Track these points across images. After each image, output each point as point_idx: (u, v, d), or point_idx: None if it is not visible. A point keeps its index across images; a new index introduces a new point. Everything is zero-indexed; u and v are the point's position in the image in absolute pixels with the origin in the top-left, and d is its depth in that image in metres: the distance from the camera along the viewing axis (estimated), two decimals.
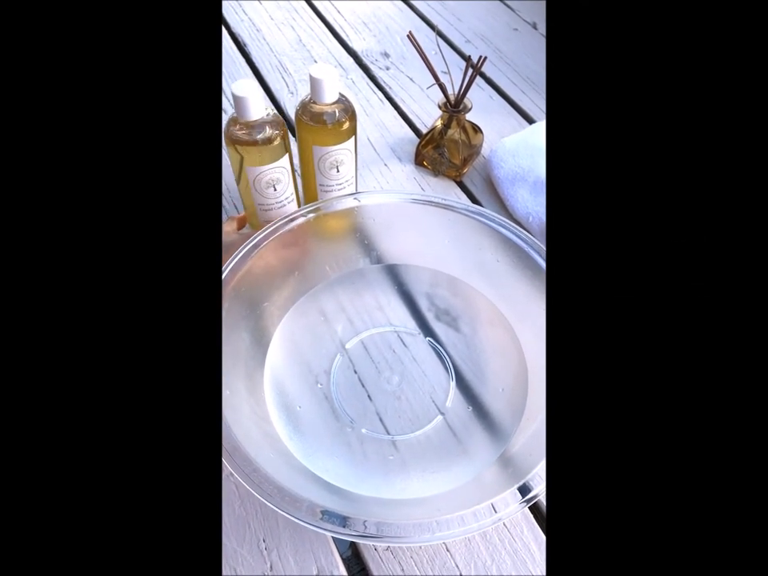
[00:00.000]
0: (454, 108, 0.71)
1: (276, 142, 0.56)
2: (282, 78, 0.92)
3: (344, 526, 0.40)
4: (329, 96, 0.56)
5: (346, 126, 0.58)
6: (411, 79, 0.93)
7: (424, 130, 0.83)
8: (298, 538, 0.49)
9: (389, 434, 0.53)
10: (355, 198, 0.58)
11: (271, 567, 0.48)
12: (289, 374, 0.56)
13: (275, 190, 0.60)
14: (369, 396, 0.55)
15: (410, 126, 0.85)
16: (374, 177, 0.78)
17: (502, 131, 0.83)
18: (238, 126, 0.55)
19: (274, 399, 0.54)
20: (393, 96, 0.90)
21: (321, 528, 0.40)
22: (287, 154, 0.58)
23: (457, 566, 0.48)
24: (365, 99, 0.89)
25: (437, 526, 0.40)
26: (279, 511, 0.41)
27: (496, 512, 0.41)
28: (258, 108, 0.54)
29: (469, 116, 0.74)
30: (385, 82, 0.92)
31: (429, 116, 0.86)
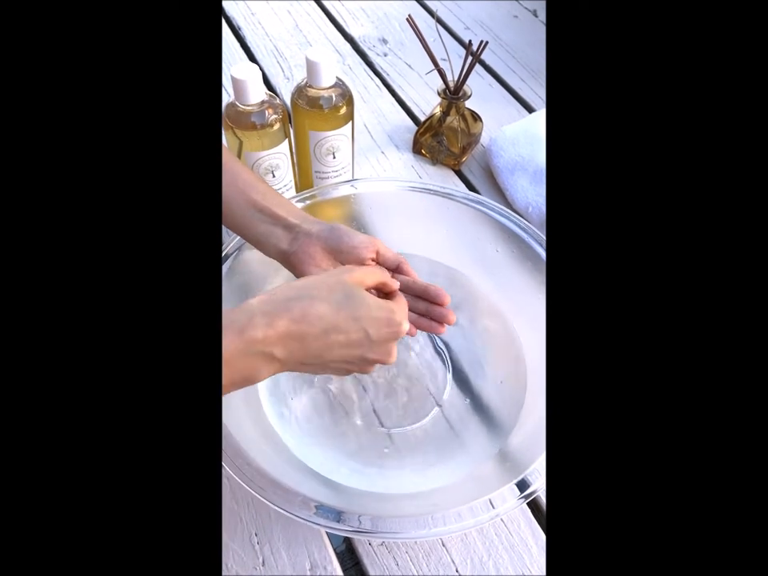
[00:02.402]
0: (453, 95, 0.70)
1: (276, 127, 0.55)
2: (278, 62, 0.90)
3: (338, 521, 0.39)
4: (325, 80, 0.54)
5: (343, 110, 0.57)
6: (410, 66, 0.91)
7: (422, 118, 0.82)
8: (290, 532, 0.48)
9: (384, 426, 0.52)
10: (352, 186, 0.56)
11: (263, 562, 0.47)
12: None
13: (274, 176, 0.58)
14: (363, 387, 0.54)
15: (408, 114, 0.84)
16: (370, 165, 0.76)
17: (502, 120, 0.82)
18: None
19: (267, 390, 0.53)
20: (390, 83, 0.88)
21: (314, 523, 0.39)
22: (287, 140, 0.57)
23: (453, 562, 0.47)
24: (362, 86, 0.87)
25: (432, 522, 0.39)
26: (272, 506, 0.39)
27: (494, 507, 0.40)
28: (258, 91, 0.52)
29: (468, 104, 0.73)
30: (382, 69, 0.90)
31: (427, 103, 0.85)
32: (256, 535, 0.48)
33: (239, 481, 0.40)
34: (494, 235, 0.55)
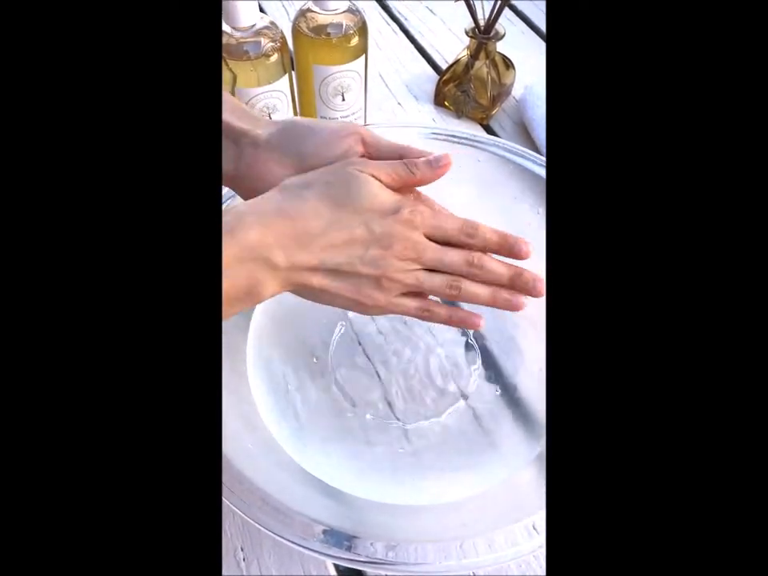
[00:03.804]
0: (483, 34, 0.60)
1: (273, 58, 0.45)
2: (282, 5, 0.81)
3: (346, 549, 0.31)
4: (334, 1, 0.45)
5: (355, 41, 0.47)
6: (431, 10, 0.81)
7: (445, 67, 0.72)
8: (283, 547, 0.39)
9: (399, 420, 0.43)
10: None
11: None
12: (278, 345, 0.46)
13: (270, 119, 0.49)
14: (376, 374, 0.45)
15: (429, 62, 0.74)
16: (385, 117, 0.67)
17: (536, 71, 0.72)
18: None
19: (259, 376, 0.44)
20: (409, 28, 0.79)
21: (315, 551, 0.31)
22: (286, 75, 0.47)
23: None
24: (377, 31, 0.78)
25: (462, 552, 0.31)
26: (263, 529, 0.31)
27: (538, 533, 0.32)
28: (250, 11, 0.43)
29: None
30: (400, 13, 0.81)
31: (451, 52, 0.75)
32: (242, 550, 0.40)
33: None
34: (536, 193, 0.45)
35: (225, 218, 0.29)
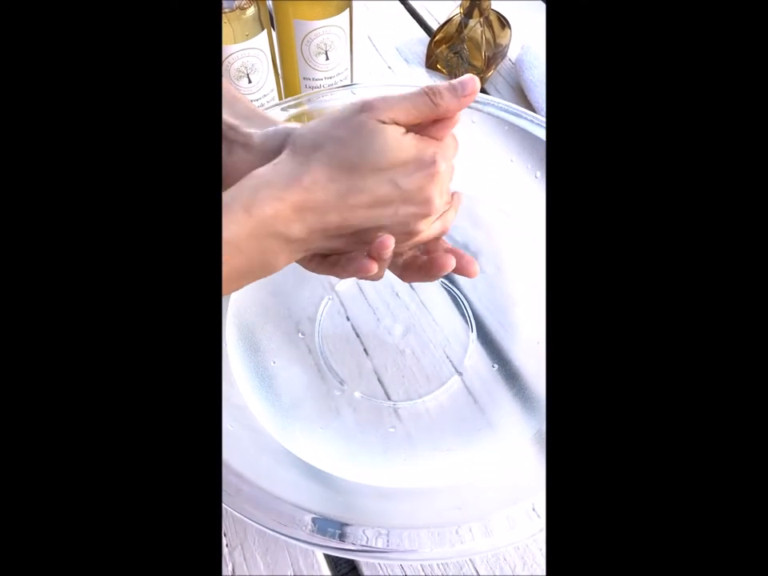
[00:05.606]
0: None
1: (249, 12, 0.42)
2: None
3: (333, 537, 0.29)
4: None
5: None
6: None
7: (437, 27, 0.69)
8: (269, 533, 0.37)
9: (390, 399, 0.41)
10: (351, 92, 0.44)
11: (233, 569, 0.37)
12: (261, 319, 0.44)
13: (249, 81, 0.46)
14: (365, 350, 0.43)
15: (420, 24, 0.71)
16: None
17: (533, 30, 0.68)
18: None
19: (240, 352, 0.42)
20: None
21: (303, 541, 0.29)
22: (265, 31, 0.44)
23: (476, 571, 0.36)
24: None
25: (459, 538, 0.29)
26: (247, 520, 0.29)
27: (539, 516, 0.30)
28: None
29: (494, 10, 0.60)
30: None
31: (444, 14, 0.71)
32: (225, 536, 0.38)
33: None
34: (534, 156, 0.43)
35: (237, 191, 0.28)
